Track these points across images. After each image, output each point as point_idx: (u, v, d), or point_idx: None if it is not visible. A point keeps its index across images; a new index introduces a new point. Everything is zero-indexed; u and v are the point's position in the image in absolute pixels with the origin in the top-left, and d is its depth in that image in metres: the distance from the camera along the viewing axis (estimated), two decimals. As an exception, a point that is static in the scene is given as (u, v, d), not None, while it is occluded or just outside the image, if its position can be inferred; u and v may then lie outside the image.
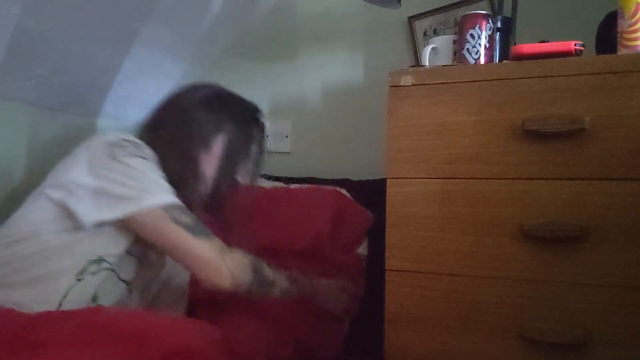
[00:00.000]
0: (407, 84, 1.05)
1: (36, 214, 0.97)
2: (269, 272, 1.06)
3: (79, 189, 0.94)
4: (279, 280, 1.08)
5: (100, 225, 0.95)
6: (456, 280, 1.00)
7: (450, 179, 1.01)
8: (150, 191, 0.96)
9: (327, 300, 1.20)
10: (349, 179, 1.61)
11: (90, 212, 0.93)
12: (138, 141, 1.02)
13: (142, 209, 0.94)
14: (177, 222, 0.96)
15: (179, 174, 1.03)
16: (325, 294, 1.19)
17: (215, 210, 1.12)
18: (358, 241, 1.42)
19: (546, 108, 0.95)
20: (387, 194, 1.05)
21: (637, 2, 0.93)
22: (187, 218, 0.98)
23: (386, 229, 1.05)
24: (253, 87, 1.83)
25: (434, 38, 1.21)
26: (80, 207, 0.93)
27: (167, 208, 0.96)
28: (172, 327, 0.80)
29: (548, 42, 1.00)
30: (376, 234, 1.12)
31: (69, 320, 0.78)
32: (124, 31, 1.45)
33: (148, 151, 1.02)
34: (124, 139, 1.00)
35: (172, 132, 1.08)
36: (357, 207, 1.44)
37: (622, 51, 0.95)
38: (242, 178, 1.14)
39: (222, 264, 0.98)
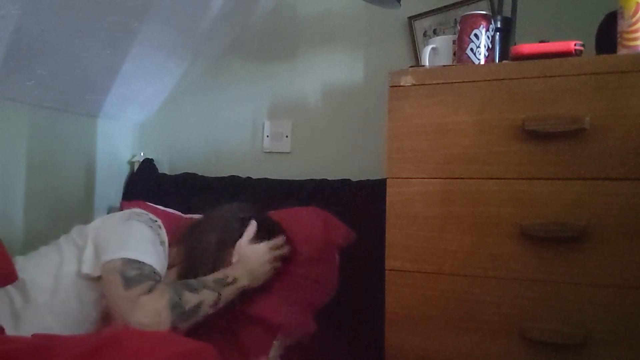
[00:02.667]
0: (407, 84, 1.05)
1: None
2: (190, 298, 1.01)
3: (89, 238, 1.09)
4: (205, 296, 1.03)
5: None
6: (456, 280, 1.00)
7: (450, 179, 1.01)
8: (126, 247, 1.04)
9: (261, 279, 1.18)
10: (349, 179, 1.60)
11: (85, 263, 1.06)
12: (156, 218, 1.16)
13: (108, 260, 1.03)
14: (121, 273, 0.99)
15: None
16: (256, 273, 1.17)
17: None
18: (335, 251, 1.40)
19: (546, 108, 0.95)
20: (387, 194, 1.05)
21: (637, 2, 0.93)
22: (133, 271, 1.00)
23: (386, 229, 1.05)
24: (253, 87, 1.83)
25: (434, 38, 1.20)
26: (84, 257, 1.07)
27: (125, 261, 1.01)
28: (179, 337, 0.85)
29: (548, 42, 1.00)
30: (376, 234, 1.12)
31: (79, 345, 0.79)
32: (123, 31, 1.45)
33: (160, 230, 1.14)
34: (146, 214, 1.15)
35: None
36: (340, 224, 1.43)
37: (622, 51, 0.95)
38: None
39: (135, 309, 0.95)
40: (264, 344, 1.13)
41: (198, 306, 1.01)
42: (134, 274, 1.00)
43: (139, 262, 1.02)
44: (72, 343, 0.80)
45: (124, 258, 1.02)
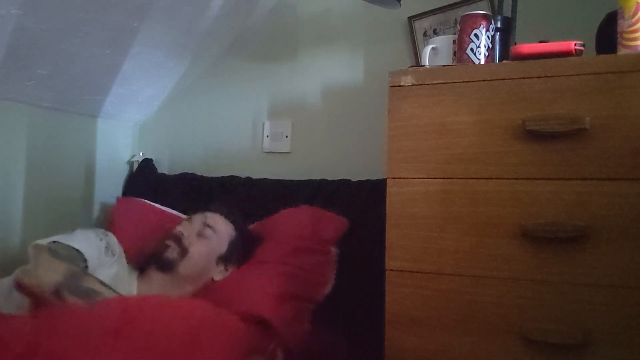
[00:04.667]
0: (407, 84, 1.05)
1: None
2: (90, 283, 1.05)
3: None
4: (105, 292, 1.06)
5: None
6: (456, 280, 1.00)
7: (450, 179, 1.01)
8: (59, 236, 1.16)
9: None
10: (349, 179, 1.60)
11: None
12: (108, 233, 1.28)
13: (38, 242, 1.14)
14: (48, 248, 1.11)
15: None
16: None
17: None
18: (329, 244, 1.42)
19: (546, 108, 0.95)
20: (387, 194, 1.05)
21: (637, 2, 0.93)
22: (62, 250, 1.11)
23: (386, 229, 1.05)
24: (253, 87, 1.83)
25: (434, 38, 1.20)
26: None
27: (54, 242, 1.13)
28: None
29: (548, 42, 1.00)
30: (376, 234, 1.12)
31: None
32: (123, 31, 1.45)
33: (107, 237, 1.25)
34: (103, 230, 1.29)
35: None
36: (329, 216, 1.47)
37: (622, 51, 0.95)
38: None
39: (32, 263, 1.07)
40: (260, 346, 1.12)
41: (94, 292, 1.04)
42: (61, 251, 1.10)
43: (65, 244, 1.12)
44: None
45: (53, 241, 1.12)
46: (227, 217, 1.36)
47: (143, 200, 1.65)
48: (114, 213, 1.64)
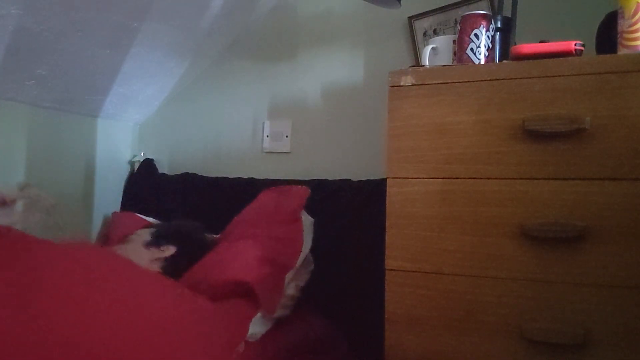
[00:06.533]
0: (407, 84, 1.05)
1: None
2: None
3: None
4: None
5: None
6: (456, 280, 1.00)
7: (450, 179, 1.01)
8: None
9: None
10: (349, 179, 1.60)
11: None
12: None
13: None
14: None
15: None
16: None
17: None
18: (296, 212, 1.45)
19: (546, 108, 0.95)
20: (387, 194, 1.05)
21: (637, 2, 0.93)
22: None
23: (386, 229, 1.05)
24: (253, 86, 1.83)
25: (434, 38, 1.20)
26: None
27: None
28: None
29: (548, 42, 1.00)
30: (376, 234, 1.12)
31: None
32: (123, 31, 1.45)
33: None
34: None
35: None
36: (290, 188, 1.51)
37: (622, 51, 0.95)
38: None
39: None
40: (243, 320, 1.12)
41: None
42: None
43: None
44: None
45: None
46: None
47: (134, 213, 1.66)
48: (109, 226, 1.69)
